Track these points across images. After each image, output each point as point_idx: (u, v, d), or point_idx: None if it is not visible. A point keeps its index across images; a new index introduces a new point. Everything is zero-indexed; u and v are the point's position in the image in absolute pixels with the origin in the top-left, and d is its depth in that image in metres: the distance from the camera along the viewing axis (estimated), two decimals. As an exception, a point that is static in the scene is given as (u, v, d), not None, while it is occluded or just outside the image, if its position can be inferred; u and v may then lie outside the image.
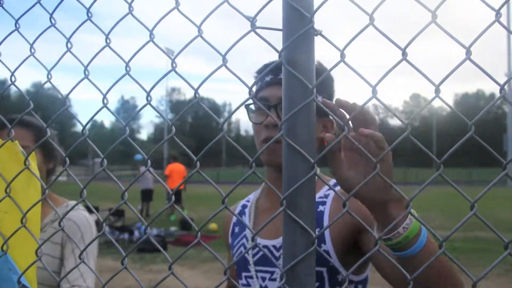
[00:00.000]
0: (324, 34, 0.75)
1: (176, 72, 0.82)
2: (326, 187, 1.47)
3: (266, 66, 1.50)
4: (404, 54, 0.71)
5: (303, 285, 0.78)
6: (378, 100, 0.73)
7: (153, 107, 0.91)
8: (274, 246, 1.42)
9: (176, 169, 15.35)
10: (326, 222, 1.38)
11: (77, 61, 0.97)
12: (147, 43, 0.85)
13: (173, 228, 12.47)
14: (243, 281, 1.48)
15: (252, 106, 1.47)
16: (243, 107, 1.42)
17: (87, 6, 0.96)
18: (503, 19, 0.73)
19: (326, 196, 1.45)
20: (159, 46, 0.85)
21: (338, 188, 1.39)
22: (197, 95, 0.80)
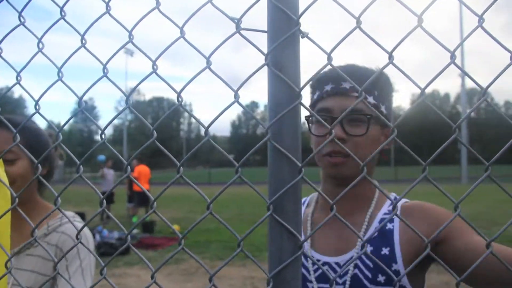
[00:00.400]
0: (310, 37, 0.74)
1: (158, 75, 0.80)
2: (388, 202, 1.40)
3: (323, 74, 1.38)
4: (391, 57, 0.71)
5: None
6: (365, 102, 0.73)
7: (133, 110, 0.88)
8: (337, 264, 1.34)
9: (143, 171, 15.16)
10: (397, 240, 1.30)
11: (44, 61, 0.94)
12: (125, 44, 0.83)
13: (135, 231, 12.29)
14: None
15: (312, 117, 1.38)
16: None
17: (61, 5, 0.92)
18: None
19: (391, 212, 1.36)
20: (139, 47, 0.82)
21: (402, 201, 1.37)
22: (179, 98, 0.78)
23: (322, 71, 1.36)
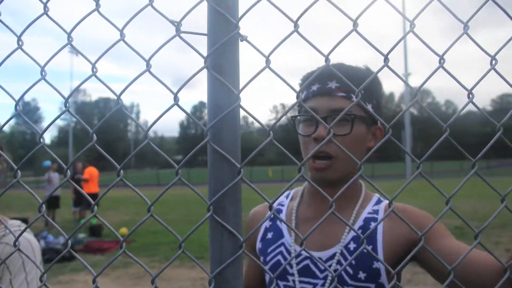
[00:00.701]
0: (249, 40, 0.76)
1: (97, 78, 0.79)
2: (373, 202, 1.42)
3: (309, 74, 1.35)
4: (327, 60, 0.73)
5: None
6: (301, 104, 0.75)
7: (72, 116, 0.87)
8: (320, 259, 1.34)
9: (94, 173, 14.83)
10: (380, 239, 1.33)
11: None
12: (64, 46, 0.81)
13: (81, 235, 11.95)
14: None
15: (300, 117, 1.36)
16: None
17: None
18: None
19: (375, 211, 1.40)
20: (78, 50, 0.81)
21: (385, 203, 1.40)
22: (119, 101, 0.77)
23: (311, 71, 1.33)
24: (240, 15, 0.77)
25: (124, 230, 11.71)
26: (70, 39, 0.82)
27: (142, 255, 9.07)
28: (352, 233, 1.35)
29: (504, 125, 0.89)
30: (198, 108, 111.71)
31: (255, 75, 0.74)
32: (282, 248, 1.43)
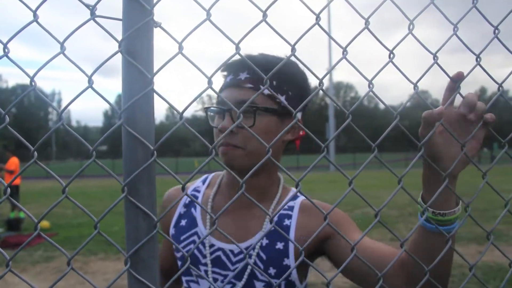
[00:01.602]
0: (163, 27, 0.78)
1: (9, 58, 0.78)
2: (289, 197, 1.43)
3: (228, 65, 1.36)
4: (237, 48, 0.77)
5: (147, 268, 0.80)
6: (213, 90, 0.79)
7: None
8: (231, 251, 1.36)
9: (17, 162, 13.99)
10: (292, 236, 1.34)
11: None
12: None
13: (-1, 229, 11.36)
14: (192, 277, 1.40)
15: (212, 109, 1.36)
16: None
17: None
18: (322, 23, 0.84)
19: (290, 208, 1.41)
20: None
21: (301, 198, 1.42)
22: (33, 83, 0.77)
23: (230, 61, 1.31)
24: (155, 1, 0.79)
25: (45, 224, 11.27)
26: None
27: (66, 248, 8.61)
28: (266, 229, 1.37)
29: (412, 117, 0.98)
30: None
31: (168, 60, 0.76)
32: (195, 237, 1.42)
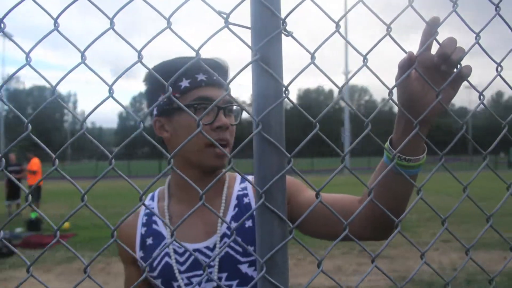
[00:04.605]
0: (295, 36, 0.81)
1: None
2: (239, 180, 1.50)
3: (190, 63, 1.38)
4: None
5: (281, 273, 0.85)
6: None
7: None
8: (207, 247, 1.37)
9: (38, 163, 14.27)
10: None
11: None
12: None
13: (18, 229, 11.43)
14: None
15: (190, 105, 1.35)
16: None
17: None
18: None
19: (244, 188, 1.46)
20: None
21: (250, 177, 1.40)
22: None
23: (184, 60, 1.36)
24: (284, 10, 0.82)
25: (66, 225, 11.35)
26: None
27: (89, 249, 8.80)
28: (230, 216, 1.40)
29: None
30: (137, 99, 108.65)
31: (302, 69, 0.80)
32: (167, 249, 1.39)
